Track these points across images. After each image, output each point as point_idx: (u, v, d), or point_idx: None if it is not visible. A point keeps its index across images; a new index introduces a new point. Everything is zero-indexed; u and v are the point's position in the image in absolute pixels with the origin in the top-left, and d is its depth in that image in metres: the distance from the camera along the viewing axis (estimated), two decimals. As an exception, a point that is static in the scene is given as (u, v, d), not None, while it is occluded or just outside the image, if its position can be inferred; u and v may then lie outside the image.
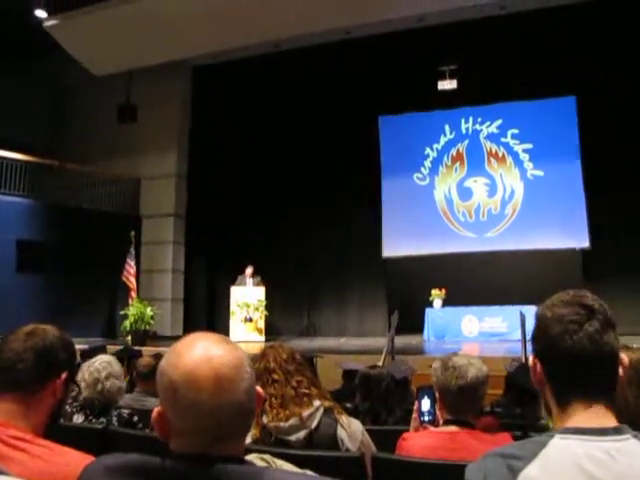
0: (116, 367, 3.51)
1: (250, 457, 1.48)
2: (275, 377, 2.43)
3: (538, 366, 1.25)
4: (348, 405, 3.45)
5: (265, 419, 2.36)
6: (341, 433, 2.35)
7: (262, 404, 1.18)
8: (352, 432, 2.38)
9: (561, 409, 1.20)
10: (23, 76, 12.94)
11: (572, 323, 1.18)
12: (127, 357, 5.34)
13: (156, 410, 1.12)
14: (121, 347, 7.60)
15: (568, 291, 1.28)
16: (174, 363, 1.09)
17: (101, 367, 3.42)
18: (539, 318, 1.25)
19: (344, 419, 2.40)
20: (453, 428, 2.30)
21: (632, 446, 1.11)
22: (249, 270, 12.10)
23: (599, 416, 1.15)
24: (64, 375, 1.60)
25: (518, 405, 3.74)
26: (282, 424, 2.34)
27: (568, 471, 1.09)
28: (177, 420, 1.08)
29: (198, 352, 1.10)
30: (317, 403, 2.38)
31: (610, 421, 1.16)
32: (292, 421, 2.33)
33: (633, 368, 1.82)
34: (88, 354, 4.69)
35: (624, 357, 1.20)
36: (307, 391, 2.40)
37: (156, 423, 1.11)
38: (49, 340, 1.59)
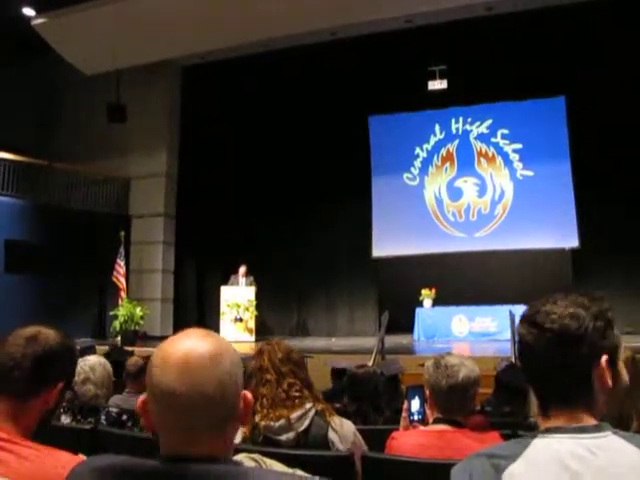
0: (98, 373, 3.44)
1: (239, 457, 1.48)
2: (268, 377, 2.43)
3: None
4: (337, 405, 3.44)
5: (257, 418, 2.36)
6: (332, 435, 2.35)
7: (252, 405, 1.17)
8: (344, 434, 2.38)
9: (543, 413, 1.25)
10: (12, 75, 12.85)
11: (526, 344, 1.26)
12: (116, 358, 5.31)
13: (141, 398, 1.14)
14: (111, 347, 7.55)
15: (533, 304, 1.34)
16: (156, 352, 1.12)
17: (81, 370, 3.37)
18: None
19: (336, 421, 2.40)
20: (442, 427, 2.30)
21: (612, 442, 1.15)
22: (242, 269, 12.09)
23: (578, 417, 1.20)
24: (60, 385, 1.57)
25: (507, 404, 3.76)
26: (272, 423, 2.34)
27: (551, 467, 1.12)
28: (155, 411, 1.09)
29: (178, 342, 1.12)
30: (308, 405, 2.37)
31: (589, 421, 1.20)
32: (282, 422, 2.33)
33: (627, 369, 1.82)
34: (80, 355, 4.66)
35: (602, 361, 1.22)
36: (298, 394, 2.39)
37: (141, 411, 1.13)
38: (50, 348, 1.54)
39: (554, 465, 1.12)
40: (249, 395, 1.16)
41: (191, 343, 1.10)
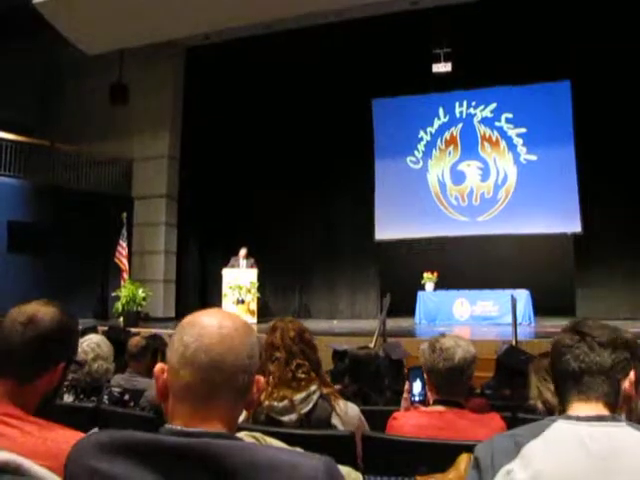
0: (105, 348, 3.52)
1: (240, 435, 1.49)
2: (277, 355, 2.43)
3: None
4: (338, 387, 3.46)
5: (261, 396, 2.36)
6: (335, 420, 2.35)
7: (262, 392, 1.21)
8: (347, 419, 2.37)
9: (564, 403, 1.44)
10: (14, 56, 12.78)
11: (565, 347, 1.44)
12: (117, 337, 5.32)
13: (160, 365, 1.18)
14: (109, 327, 7.54)
15: (575, 320, 1.57)
16: (184, 322, 1.19)
17: (89, 349, 3.42)
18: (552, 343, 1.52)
19: (341, 405, 2.40)
20: (443, 408, 2.32)
21: (627, 431, 1.28)
22: (243, 251, 12.08)
23: (597, 409, 1.36)
24: (62, 364, 1.56)
25: (507, 387, 3.77)
26: (276, 404, 2.34)
27: (569, 445, 1.27)
28: (177, 377, 1.13)
29: (208, 313, 1.20)
30: (313, 388, 2.37)
31: (607, 413, 1.36)
32: (285, 403, 2.34)
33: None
34: (82, 335, 4.68)
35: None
36: (305, 376, 2.39)
37: (157, 379, 1.17)
38: (47, 330, 1.51)
39: (573, 443, 1.27)
40: (262, 380, 1.20)
41: (222, 315, 1.19)
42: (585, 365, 1.39)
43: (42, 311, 1.54)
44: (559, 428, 1.32)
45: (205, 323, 1.16)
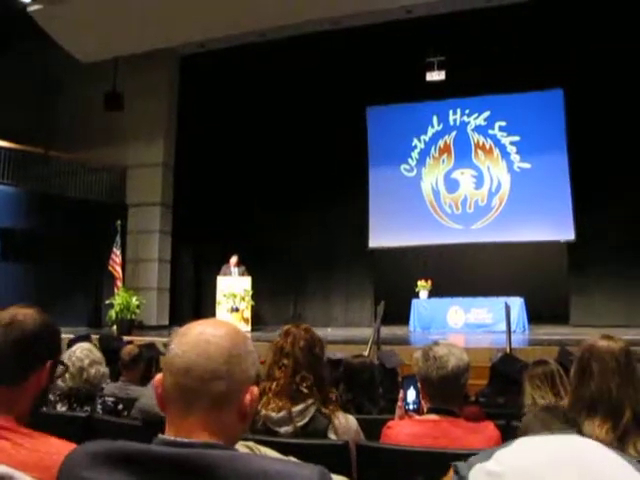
0: (97, 353, 3.54)
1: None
2: (285, 362, 2.39)
3: None
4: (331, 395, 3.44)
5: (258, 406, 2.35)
6: (332, 434, 2.32)
7: (257, 402, 1.19)
8: (345, 431, 2.34)
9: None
10: (9, 63, 12.78)
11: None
12: (110, 345, 5.31)
13: (159, 375, 1.18)
14: (100, 335, 7.49)
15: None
16: (177, 332, 1.20)
17: (83, 355, 3.42)
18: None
19: (340, 419, 2.37)
20: (436, 417, 2.31)
21: None
22: (234, 259, 12.06)
23: None
24: (48, 364, 1.55)
25: (502, 395, 3.77)
26: (273, 414, 2.33)
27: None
28: (167, 384, 1.14)
29: (199, 323, 1.20)
30: (310, 401, 2.34)
31: None
32: (282, 414, 2.33)
33: (615, 359, 1.85)
34: (74, 344, 4.66)
35: None
36: (307, 391, 2.35)
37: (156, 388, 1.17)
38: (29, 330, 1.51)
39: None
40: (255, 390, 1.17)
41: (211, 323, 1.19)
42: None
43: (21, 312, 1.55)
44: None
45: (190, 330, 1.16)
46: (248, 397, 1.15)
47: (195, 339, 1.14)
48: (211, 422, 1.12)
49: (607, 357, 1.87)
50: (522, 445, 1.23)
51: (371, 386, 3.62)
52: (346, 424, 2.38)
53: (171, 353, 1.14)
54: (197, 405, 1.11)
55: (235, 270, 12.04)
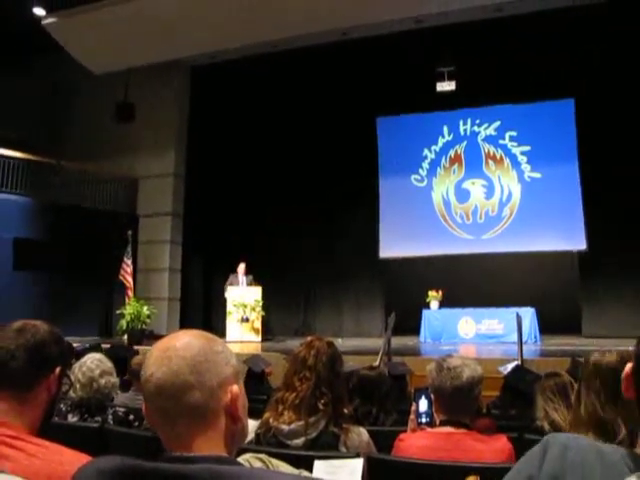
0: (107, 363, 3.54)
1: (246, 457, 1.48)
2: (307, 374, 2.39)
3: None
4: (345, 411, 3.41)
5: (268, 414, 2.35)
6: (343, 448, 2.31)
7: (241, 399, 1.16)
8: (357, 445, 2.33)
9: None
10: (22, 74, 12.91)
11: None
12: (120, 355, 5.31)
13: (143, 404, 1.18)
14: (111, 345, 7.49)
15: None
16: (147, 353, 1.17)
17: (94, 365, 3.42)
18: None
19: (353, 436, 2.35)
20: (449, 429, 2.30)
21: None
22: (242, 267, 12.02)
23: None
24: (58, 370, 1.58)
25: (514, 407, 3.74)
26: (284, 427, 2.33)
27: None
28: (146, 407, 1.15)
29: (166, 338, 1.17)
30: (322, 416, 2.34)
31: None
32: (294, 426, 2.32)
33: (600, 377, 1.77)
34: (85, 354, 4.66)
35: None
36: (323, 408, 2.35)
37: (144, 411, 1.17)
38: (40, 335, 1.56)
39: None
40: (235, 388, 1.14)
41: (174, 337, 1.16)
42: None
43: (30, 322, 1.60)
44: None
45: (154, 350, 1.15)
46: (228, 397, 1.13)
47: (159, 358, 1.12)
48: (203, 433, 1.10)
49: (592, 376, 1.79)
50: None
51: (387, 398, 3.58)
52: (357, 437, 2.37)
53: (142, 378, 1.13)
54: (180, 422, 1.10)
55: (244, 278, 12.03)
